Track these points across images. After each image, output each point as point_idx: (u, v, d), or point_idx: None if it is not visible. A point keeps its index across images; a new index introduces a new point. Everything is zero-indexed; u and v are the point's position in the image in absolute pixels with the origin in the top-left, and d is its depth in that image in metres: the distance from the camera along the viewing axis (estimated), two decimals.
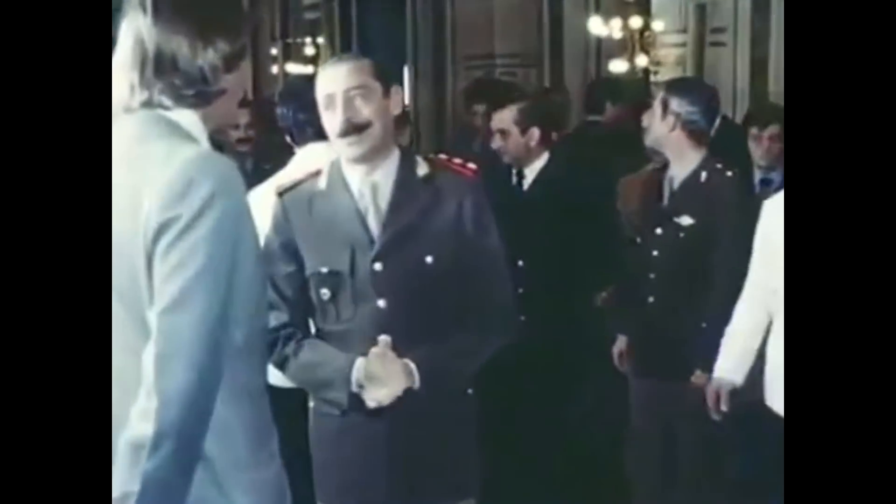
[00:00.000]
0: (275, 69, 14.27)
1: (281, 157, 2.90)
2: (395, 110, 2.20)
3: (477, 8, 8.11)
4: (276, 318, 2.17)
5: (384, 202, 2.17)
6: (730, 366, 2.81)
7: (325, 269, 2.18)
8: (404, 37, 9.19)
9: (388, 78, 2.18)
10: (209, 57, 1.49)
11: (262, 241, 1.86)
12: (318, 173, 2.26)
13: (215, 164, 1.43)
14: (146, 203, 1.39)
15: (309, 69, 15.46)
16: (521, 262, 3.29)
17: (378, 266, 2.14)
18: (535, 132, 3.59)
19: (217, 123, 1.57)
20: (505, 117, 3.61)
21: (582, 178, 3.73)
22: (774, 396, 2.56)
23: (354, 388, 2.12)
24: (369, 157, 2.16)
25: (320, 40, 13.93)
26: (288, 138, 2.74)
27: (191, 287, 1.37)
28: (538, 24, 8.00)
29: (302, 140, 2.66)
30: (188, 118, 1.51)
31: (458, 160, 2.29)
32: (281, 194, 2.25)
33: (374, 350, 2.11)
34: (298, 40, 15.03)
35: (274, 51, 14.44)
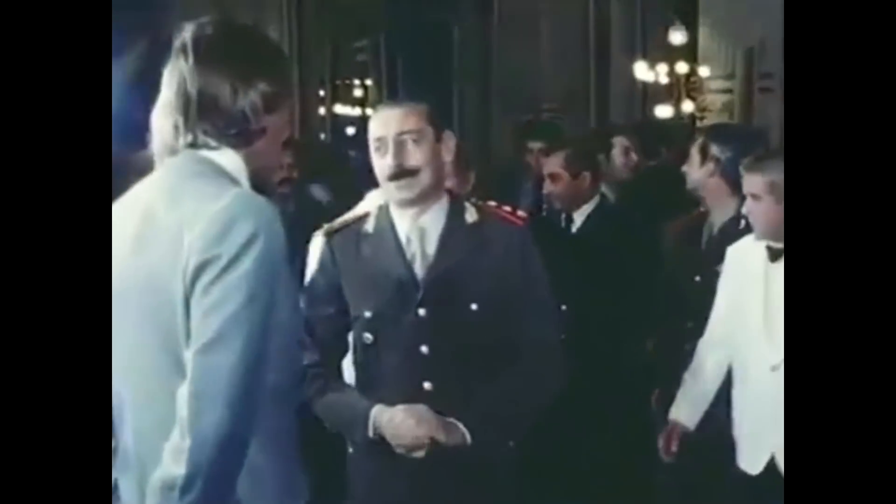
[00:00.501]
0: (322, 110, 14.50)
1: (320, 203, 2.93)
2: (447, 156, 2.20)
3: (523, 53, 8.16)
4: (306, 358, 2.16)
5: (431, 248, 2.18)
6: (685, 409, 2.83)
7: (368, 314, 2.18)
8: (450, 81, 9.30)
9: (441, 123, 2.19)
10: (250, 98, 1.51)
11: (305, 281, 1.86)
12: (366, 216, 2.27)
13: (256, 205, 1.44)
14: (186, 242, 1.41)
15: (356, 111, 15.67)
16: (564, 307, 3.25)
17: (423, 312, 2.14)
18: (587, 176, 3.63)
19: (259, 164, 1.58)
20: (556, 162, 3.66)
21: (631, 222, 3.72)
22: (745, 458, 2.55)
23: (371, 434, 2.12)
24: (418, 202, 2.17)
25: (368, 82, 14.16)
26: (357, 181, 2.85)
27: (228, 327, 1.37)
28: (584, 69, 8.02)
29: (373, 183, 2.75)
30: (230, 159, 1.53)
31: (507, 207, 2.28)
32: (329, 235, 2.27)
33: (401, 411, 2.09)
34: (347, 82, 15.28)
35: (322, 92, 14.71)
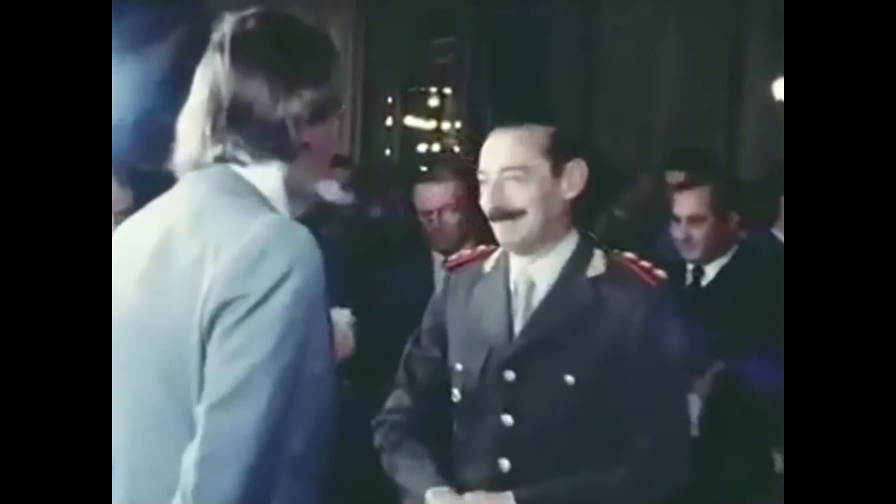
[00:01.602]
0: (389, 121, 14.62)
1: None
2: (570, 192, 2.17)
3: (633, 65, 7.98)
4: (395, 399, 2.29)
5: (536, 301, 2.18)
6: None
7: (459, 366, 2.23)
8: (546, 91, 9.30)
9: (567, 150, 2.16)
10: (293, 106, 1.54)
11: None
12: (488, 253, 2.33)
13: (292, 235, 1.45)
14: (208, 275, 1.42)
15: (431, 123, 15.81)
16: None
17: (510, 375, 2.15)
18: (733, 218, 3.40)
19: (300, 184, 1.61)
20: (700, 199, 3.39)
21: (775, 277, 3.47)
22: None
23: None
24: (526, 248, 2.19)
25: (447, 91, 14.30)
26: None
27: (250, 380, 1.38)
28: (713, 87, 7.72)
29: None
30: (266, 178, 1.55)
31: (645, 262, 2.20)
32: (450, 270, 2.36)
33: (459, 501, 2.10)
34: (422, 89, 15.44)
35: (390, 100, 14.80)
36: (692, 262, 3.44)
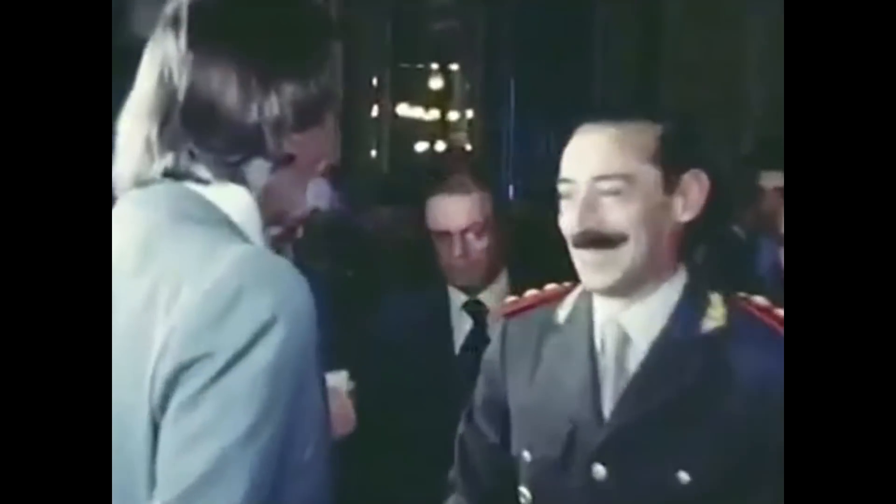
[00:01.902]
0: (375, 111, 14.54)
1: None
2: (685, 214, 2.12)
3: (711, 41, 8.08)
4: (452, 500, 2.29)
5: (633, 364, 2.15)
6: None
7: (527, 455, 2.19)
8: (591, 69, 9.34)
9: (678, 158, 2.13)
10: (271, 106, 1.55)
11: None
12: (560, 294, 2.30)
13: (275, 273, 1.46)
14: (161, 329, 1.42)
15: (432, 114, 15.83)
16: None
17: (600, 471, 2.06)
18: None
19: (280, 207, 1.62)
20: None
21: None
22: None
23: None
24: (622, 289, 2.14)
25: (453, 67, 14.38)
26: None
27: (219, 470, 1.39)
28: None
29: None
30: (233, 199, 1.56)
31: (763, 300, 2.18)
32: (508, 316, 2.32)
33: None
34: (418, 66, 15.46)
35: (375, 81, 14.68)
36: None
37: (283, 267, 1.49)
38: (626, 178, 2.10)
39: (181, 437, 1.41)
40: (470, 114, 13.80)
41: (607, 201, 2.10)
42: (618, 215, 2.09)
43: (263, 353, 1.43)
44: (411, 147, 15.67)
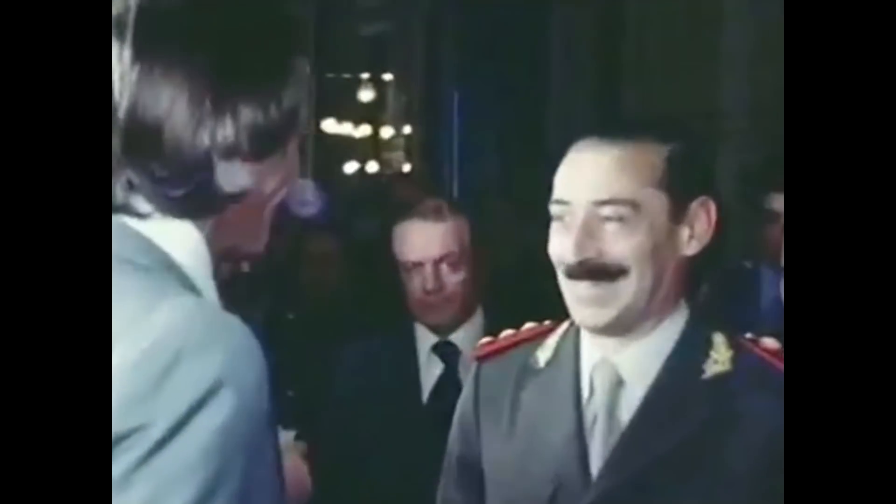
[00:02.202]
0: None
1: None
2: (692, 246, 2.15)
3: (683, 38, 8.22)
4: None
5: (625, 413, 2.17)
6: None
7: None
8: (546, 77, 9.42)
9: (685, 183, 2.14)
10: (224, 131, 1.55)
11: None
12: (539, 335, 2.32)
13: (222, 328, 1.47)
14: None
15: (363, 131, 15.94)
16: None
17: None
18: None
19: (231, 243, 1.63)
20: None
21: None
22: None
23: None
24: (618, 329, 2.17)
25: (387, 77, 14.47)
26: None
27: None
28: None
29: None
30: (179, 237, 1.57)
31: (770, 342, 2.18)
32: (481, 359, 2.33)
33: None
34: (346, 75, 15.59)
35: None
36: None
37: (232, 325, 1.50)
38: (632, 203, 2.10)
39: None
40: (407, 130, 13.86)
41: (609, 229, 2.11)
42: (621, 245, 2.11)
43: (206, 425, 1.44)
44: (339, 168, 15.76)
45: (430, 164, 12.62)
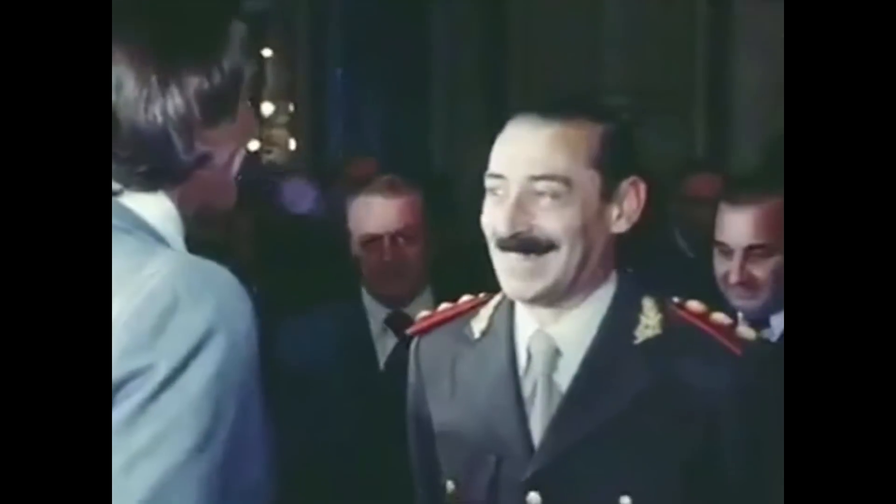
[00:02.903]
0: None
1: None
2: (620, 224, 2.17)
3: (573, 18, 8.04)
4: None
5: (564, 381, 2.18)
6: None
7: (451, 485, 2.23)
8: (434, 53, 9.27)
9: (618, 163, 2.16)
10: (175, 103, 1.57)
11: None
12: (473, 307, 2.32)
13: (210, 278, 1.51)
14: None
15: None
16: None
17: (534, 498, 2.14)
18: None
19: (202, 202, 1.66)
20: (768, 220, 3.15)
21: None
22: None
23: None
24: (549, 300, 2.17)
25: (267, 53, 14.22)
26: None
27: (162, 496, 1.42)
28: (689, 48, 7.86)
29: None
30: (153, 206, 1.61)
31: (720, 316, 2.21)
32: (416, 334, 2.35)
33: None
34: None
35: None
36: (750, 315, 3.09)
37: (220, 274, 1.53)
38: (565, 180, 2.11)
39: (122, 457, 1.44)
40: (290, 108, 13.57)
41: (542, 204, 2.11)
42: (553, 221, 2.11)
43: (202, 369, 1.46)
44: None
45: (315, 141, 12.34)
